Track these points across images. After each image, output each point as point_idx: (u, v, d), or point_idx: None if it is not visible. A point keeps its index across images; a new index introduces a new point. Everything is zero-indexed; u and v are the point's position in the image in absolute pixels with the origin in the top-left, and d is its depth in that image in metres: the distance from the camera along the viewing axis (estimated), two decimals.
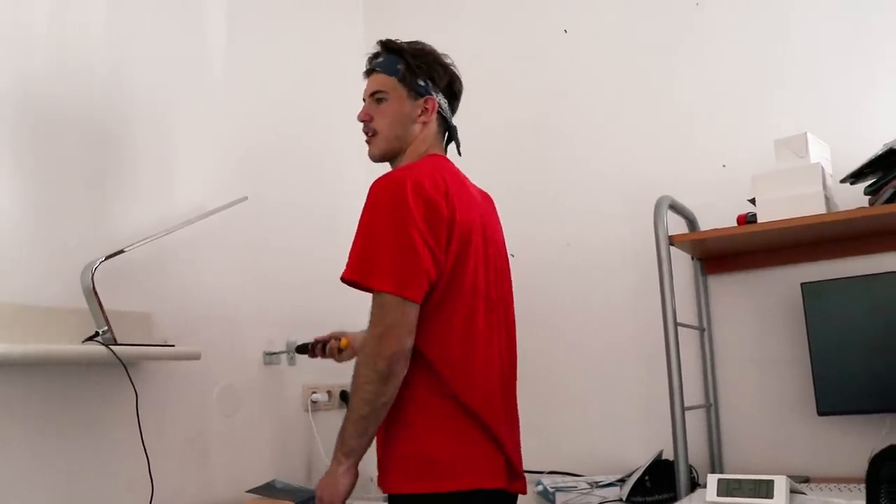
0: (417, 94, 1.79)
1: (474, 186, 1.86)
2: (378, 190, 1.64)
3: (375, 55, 1.85)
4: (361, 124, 1.83)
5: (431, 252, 1.59)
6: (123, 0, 2.19)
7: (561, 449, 2.56)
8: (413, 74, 1.79)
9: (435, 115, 1.81)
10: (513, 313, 1.83)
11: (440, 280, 1.61)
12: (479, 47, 2.92)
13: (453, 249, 1.63)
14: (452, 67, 1.86)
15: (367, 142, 1.83)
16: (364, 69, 1.87)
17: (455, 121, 1.89)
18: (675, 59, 2.62)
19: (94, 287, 1.88)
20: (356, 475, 1.62)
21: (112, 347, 1.86)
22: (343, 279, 1.62)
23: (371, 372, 1.56)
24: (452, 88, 1.86)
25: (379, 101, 1.81)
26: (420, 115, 1.79)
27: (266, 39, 2.70)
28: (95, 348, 1.86)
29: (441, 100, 1.82)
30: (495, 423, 1.65)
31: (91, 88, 2.08)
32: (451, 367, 1.61)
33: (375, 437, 1.65)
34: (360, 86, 1.87)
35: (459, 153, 1.90)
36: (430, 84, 1.80)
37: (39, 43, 1.96)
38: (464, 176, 1.82)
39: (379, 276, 1.57)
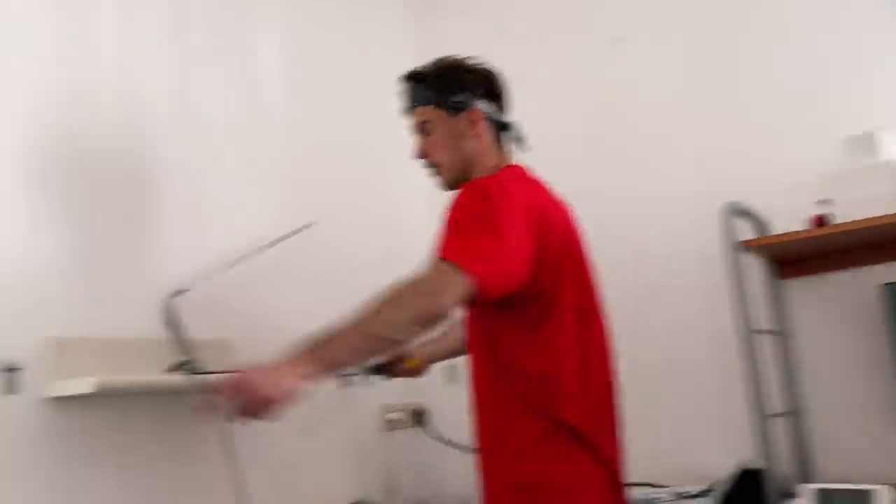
0: (457, 110, 1.73)
1: (556, 196, 1.78)
2: (471, 191, 1.56)
3: (403, 92, 1.80)
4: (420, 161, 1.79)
5: (530, 252, 1.51)
6: (179, 30, 2.23)
7: (640, 460, 2.51)
8: (444, 94, 1.73)
9: (484, 123, 1.75)
10: (608, 326, 1.74)
11: (541, 297, 1.56)
12: (532, 58, 2.90)
13: (550, 262, 1.56)
14: (482, 67, 1.78)
15: (434, 177, 1.79)
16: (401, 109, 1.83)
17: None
18: (735, 59, 2.58)
19: (177, 318, 1.91)
20: (300, 388, 1.38)
21: (200, 376, 1.87)
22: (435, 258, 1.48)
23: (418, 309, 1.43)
24: (491, 87, 1.77)
25: (427, 132, 1.76)
26: (470, 129, 1.73)
27: (321, 70, 2.73)
28: (187, 378, 1.87)
29: (483, 105, 1.75)
30: (602, 444, 1.61)
31: (154, 119, 2.12)
32: (554, 386, 1.56)
33: (478, 464, 1.61)
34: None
35: (525, 148, 1.83)
36: (468, 94, 1.74)
37: (101, 87, 2.02)
38: (546, 186, 1.75)
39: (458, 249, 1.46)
